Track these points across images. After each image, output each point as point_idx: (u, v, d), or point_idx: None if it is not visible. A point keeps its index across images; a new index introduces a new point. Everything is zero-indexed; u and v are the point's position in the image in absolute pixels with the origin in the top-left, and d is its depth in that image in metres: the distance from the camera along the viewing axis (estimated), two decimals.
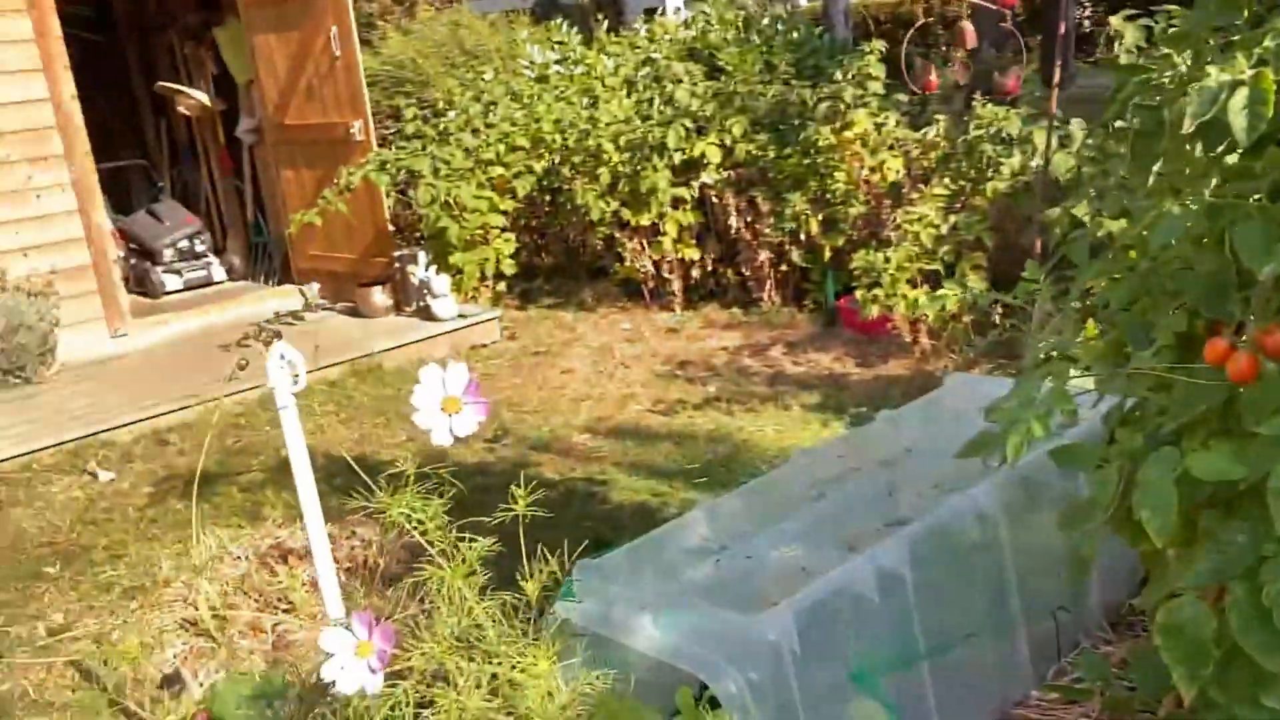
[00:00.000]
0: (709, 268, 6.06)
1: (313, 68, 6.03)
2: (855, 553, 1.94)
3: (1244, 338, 1.45)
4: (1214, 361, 1.47)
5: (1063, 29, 3.16)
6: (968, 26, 3.44)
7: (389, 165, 5.68)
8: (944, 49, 6.88)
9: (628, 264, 6.05)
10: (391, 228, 6.33)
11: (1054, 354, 1.67)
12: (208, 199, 7.79)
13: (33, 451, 4.49)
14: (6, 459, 4.44)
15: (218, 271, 7.22)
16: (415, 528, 1.10)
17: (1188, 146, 1.58)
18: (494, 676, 1.10)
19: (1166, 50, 1.64)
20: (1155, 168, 1.59)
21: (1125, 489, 1.57)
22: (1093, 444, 1.73)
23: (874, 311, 4.76)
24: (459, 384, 1.02)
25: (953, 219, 4.79)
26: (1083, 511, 1.70)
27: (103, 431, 4.67)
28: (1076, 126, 4.25)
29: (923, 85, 3.88)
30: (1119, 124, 1.81)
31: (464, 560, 1.13)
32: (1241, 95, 1.29)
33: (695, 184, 5.79)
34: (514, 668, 1.05)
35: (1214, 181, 1.51)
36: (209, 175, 7.72)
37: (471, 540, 1.15)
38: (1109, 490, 1.57)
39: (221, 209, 7.71)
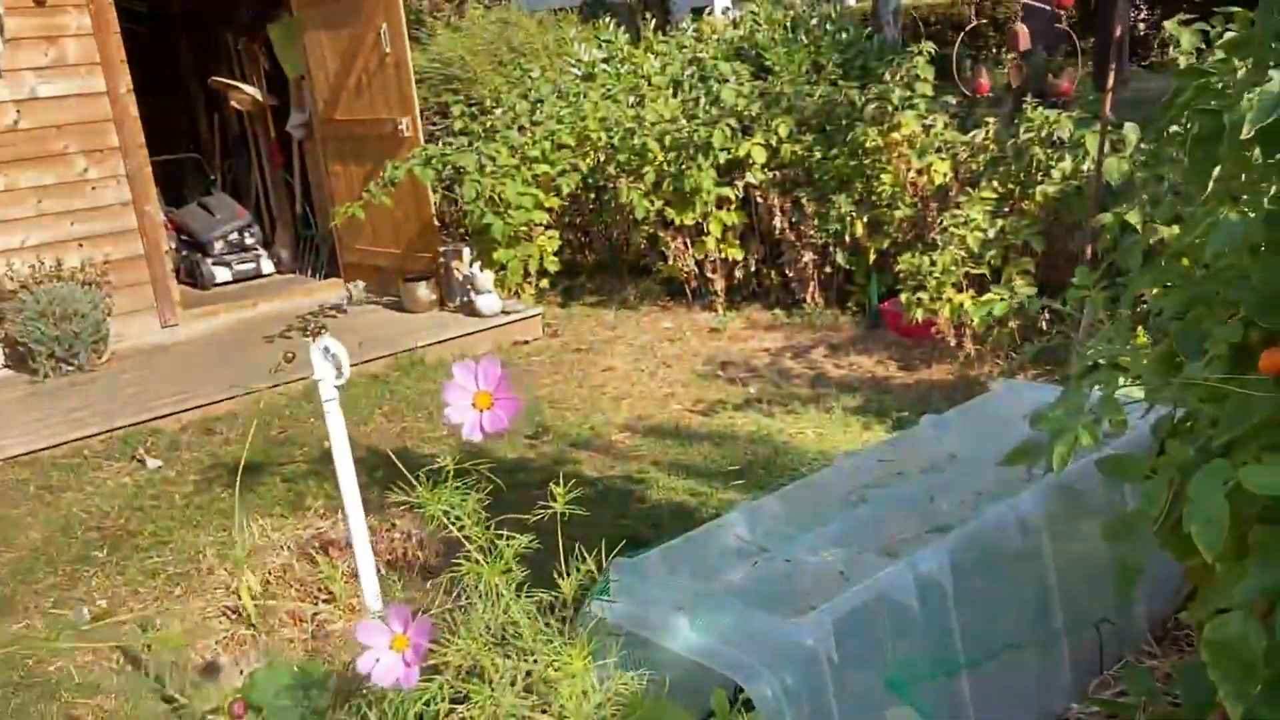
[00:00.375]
0: (752, 268, 6.03)
1: (363, 64, 6.10)
2: (895, 559, 1.92)
3: None
4: (1269, 372, 1.43)
5: (1117, 31, 3.10)
6: (1021, 28, 3.38)
7: (434, 161, 5.72)
8: (995, 51, 6.80)
9: (671, 263, 6.05)
10: (437, 223, 6.39)
11: (1103, 362, 1.63)
12: (258, 193, 7.91)
13: (84, 438, 4.59)
14: (59, 444, 4.54)
15: (266, 264, 7.34)
16: (453, 523, 1.11)
17: (1247, 153, 1.54)
18: (528, 674, 1.10)
19: (1225, 55, 1.60)
20: (1214, 174, 1.55)
21: (1174, 502, 1.54)
22: (1141, 455, 1.70)
23: (918, 315, 4.70)
24: (490, 380, 1.02)
25: (1000, 223, 4.72)
26: (1130, 523, 1.66)
27: (152, 420, 4.76)
28: (1130, 130, 4.16)
29: (975, 88, 3.83)
30: (1174, 129, 1.77)
31: (501, 557, 1.14)
32: None
33: (740, 184, 5.76)
34: (549, 666, 1.05)
35: (1273, 189, 1.47)
36: (259, 169, 7.84)
37: (510, 537, 1.16)
38: (1157, 503, 1.54)
39: (271, 203, 7.83)
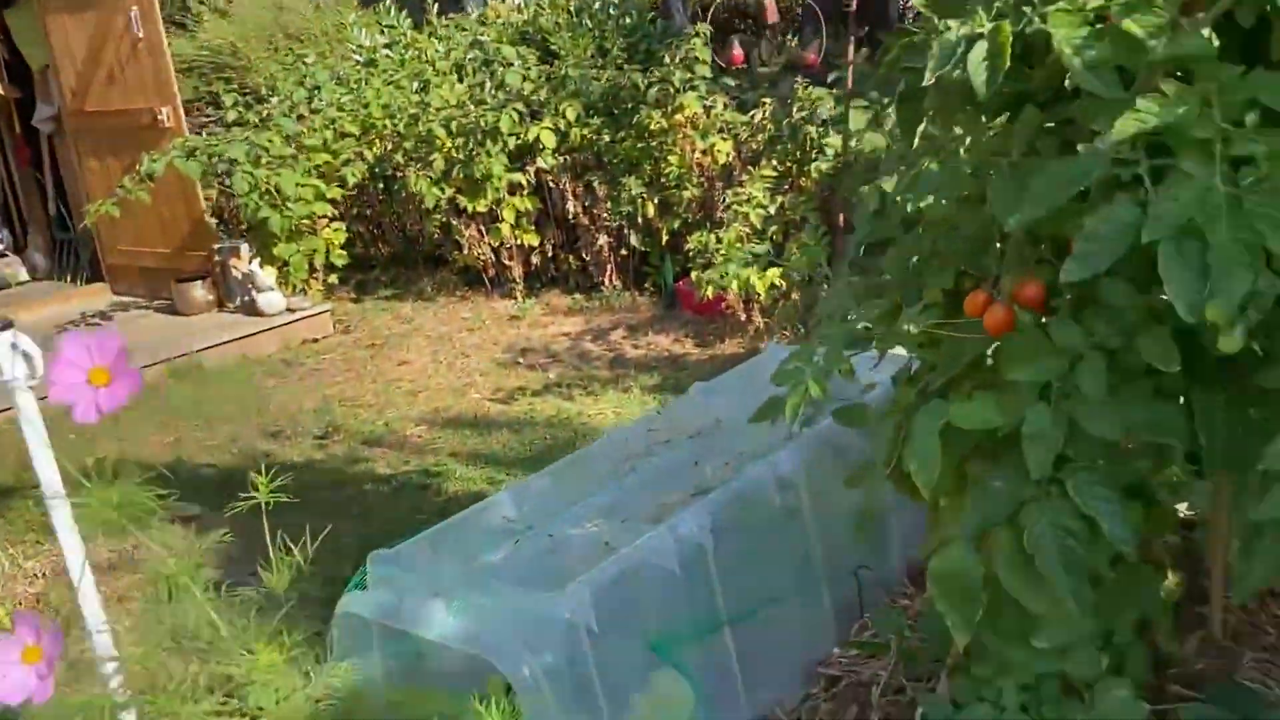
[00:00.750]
0: (549, 254, 5.99)
1: (113, 51, 5.65)
2: (659, 525, 1.92)
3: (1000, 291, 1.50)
4: (975, 315, 1.51)
5: (853, 5, 3.25)
6: (769, 1, 3.50)
7: (199, 153, 5.36)
8: (782, 37, 7.01)
9: (466, 252, 5.92)
10: (214, 220, 6.00)
11: (833, 317, 1.68)
12: (5, 193, 7.22)
13: None
14: None
15: (19, 272, 6.71)
16: (125, 521, 1.01)
17: (970, 111, 1.62)
18: (230, 678, 1.01)
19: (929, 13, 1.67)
20: (919, 129, 1.62)
21: (904, 445, 1.60)
22: (878, 404, 1.77)
23: (709, 292, 4.80)
24: (108, 353, 0.92)
25: (780, 199, 4.88)
26: (867, 469, 1.73)
27: None
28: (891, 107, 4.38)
29: (728, 60, 3.92)
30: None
31: (195, 554, 1.04)
32: (980, 49, 1.32)
33: (531, 169, 5.70)
34: (237, 665, 0.97)
35: (968, 140, 1.55)
36: (5, 168, 7.16)
37: (181, 533, 1.06)
38: (887, 446, 1.60)
39: (21, 204, 7.16)
